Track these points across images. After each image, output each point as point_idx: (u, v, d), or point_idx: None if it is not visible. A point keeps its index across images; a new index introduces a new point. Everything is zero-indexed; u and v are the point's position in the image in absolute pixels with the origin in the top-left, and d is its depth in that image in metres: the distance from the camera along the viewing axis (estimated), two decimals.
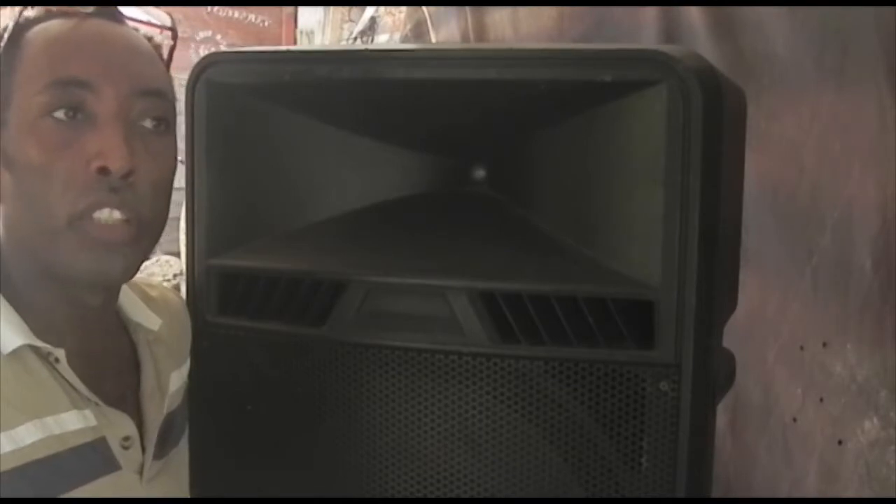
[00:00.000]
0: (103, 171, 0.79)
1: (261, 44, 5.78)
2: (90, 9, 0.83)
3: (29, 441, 0.77)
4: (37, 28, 0.83)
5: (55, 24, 0.83)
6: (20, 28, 0.83)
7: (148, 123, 0.83)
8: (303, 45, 5.80)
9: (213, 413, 1.00)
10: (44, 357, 0.81)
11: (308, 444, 0.97)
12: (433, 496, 0.92)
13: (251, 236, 0.97)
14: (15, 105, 0.80)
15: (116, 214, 0.80)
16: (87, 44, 0.82)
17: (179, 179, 0.92)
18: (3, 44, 0.82)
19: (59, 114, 0.79)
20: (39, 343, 0.80)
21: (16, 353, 0.79)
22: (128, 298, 0.94)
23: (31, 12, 0.83)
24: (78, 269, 0.81)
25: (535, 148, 0.92)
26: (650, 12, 1.76)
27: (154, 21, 0.89)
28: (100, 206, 0.80)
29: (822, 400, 1.39)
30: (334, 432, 0.95)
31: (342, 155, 0.97)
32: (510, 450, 0.90)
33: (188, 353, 0.99)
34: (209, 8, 6.04)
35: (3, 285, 0.82)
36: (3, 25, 0.83)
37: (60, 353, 0.81)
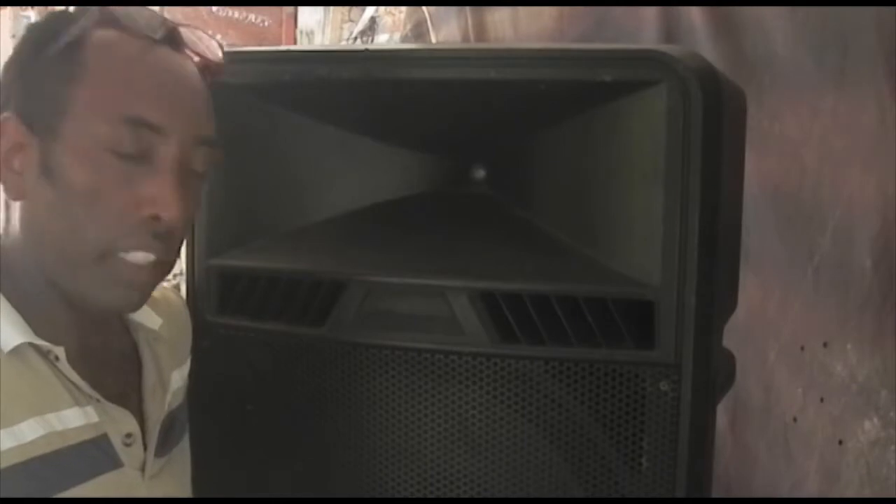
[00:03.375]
0: (155, 218, 0.79)
1: (261, 44, 5.78)
2: (158, 33, 0.80)
3: (30, 437, 0.77)
4: (101, 37, 0.79)
5: (123, 46, 0.79)
6: (81, 32, 0.79)
7: (198, 169, 0.83)
8: (303, 45, 5.80)
9: (213, 413, 1.00)
10: (44, 354, 0.81)
11: (308, 444, 0.97)
12: (433, 496, 0.92)
13: (251, 236, 0.97)
14: (74, 122, 0.78)
15: (151, 258, 0.80)
16: (159, 81, 0.80)
17: None
18: (57, 45, 0.79)
19: (122, 150, 0.78)
20: (39, 341, 0.80)
21: (17, 350, 0.79)
22: None
23: (89, 13, 0.80)
24: (95, 301, 0.81)
25: (535, 148, 0.92)
26: (650, 12, 1.76)
27: (208, 54, 0.86)
28: (138, 248, 0.79)
29: (822, 400, 1.39)
30: (334, 432, 0.95)
31: (342, 155, 0.97)
32: (510, 450, 0.90)
33: (189, 353, 1.00)
34: (209, 8, 6.04)
35: (4, 282, 0.82)
36: (60, 18, 0.80)
37: (60, 350, 0.81)
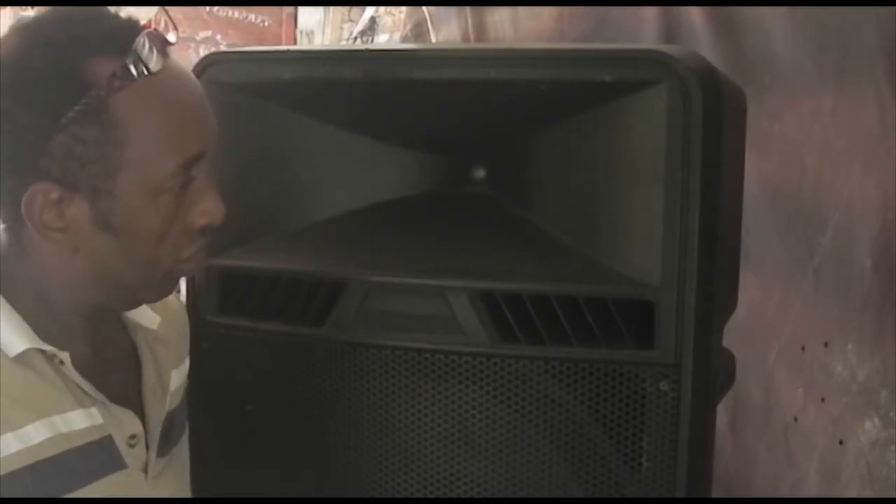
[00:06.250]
0: (208, 226, 0.84)
1: (261, 44, 5.79)
2: (158, 62, 0.78)
3: (37, 440, 0.78)
4: (126, 98, 0.77)
5: (146, 92, 0.78)
6: (100, 100, 0.76)
7: None
8: (303, 45, 5.80)
9: (213, 413, 1.00)
10: (49, 359, 0.81)
11: (308, 444, 0.97)
12: (433, 496, 0.92)
13: (251, 236, 0.97)
14: (128, 181, 0.78)
15: (200, 248, 0.86)
16: (188, 111, 0.81)
17: None
18: (75, 109, 0.76)
19: (177, 188, 0.81)
20: (45, 346, 0.81)
21: (22, 355, 0.79)
22: None
23: (109, 80, 0.76)
24: (143, 300, 0.88)
25: (535, 148, 0.92)
26: (650, 12, 1.76)
27: (167, 36, 0.84)
28: (193, 249, 0.85)
29: (822, 400, 1.39)
30: (334, 432, 0.95)
31: (342, 155, 0.97)
32: (510, 450, 0.90)
33: (187, 353, 1.00)
34: (209, 8, 6.05)
35: (5, 290, 0.82)
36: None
37: (65, 355, 0.81)
